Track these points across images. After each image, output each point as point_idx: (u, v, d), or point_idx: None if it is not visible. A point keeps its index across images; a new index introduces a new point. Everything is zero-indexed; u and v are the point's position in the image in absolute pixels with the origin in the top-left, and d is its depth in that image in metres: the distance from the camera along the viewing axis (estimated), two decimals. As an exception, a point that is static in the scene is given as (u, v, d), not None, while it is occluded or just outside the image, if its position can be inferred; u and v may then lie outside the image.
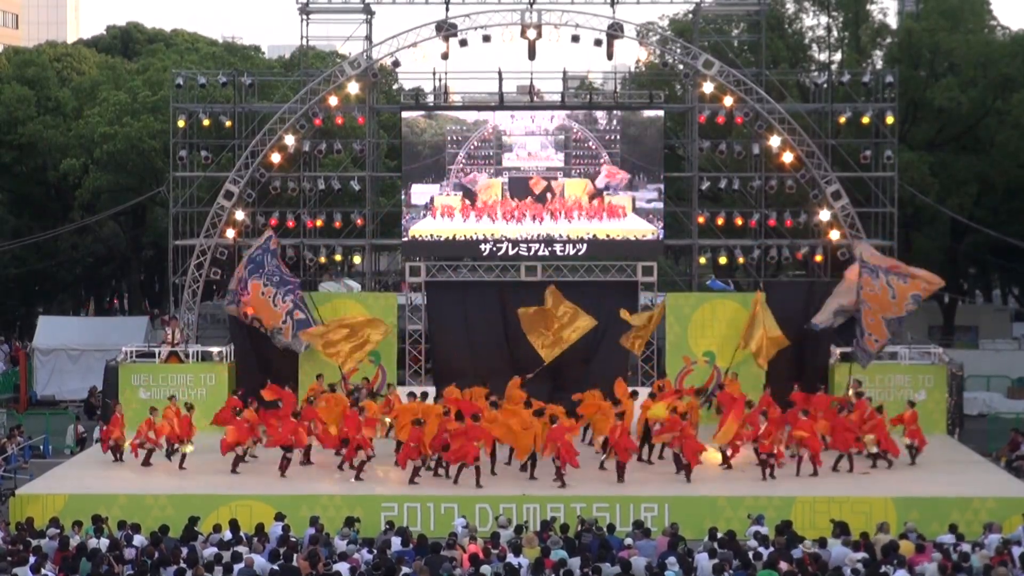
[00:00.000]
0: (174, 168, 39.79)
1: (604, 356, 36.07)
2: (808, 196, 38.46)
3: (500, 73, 38.73)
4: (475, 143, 38.10)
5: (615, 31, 37.87)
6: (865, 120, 38.45)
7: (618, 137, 37.94)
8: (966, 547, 22.61)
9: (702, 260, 40.32)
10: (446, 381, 34.19)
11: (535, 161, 38.07)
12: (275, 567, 21.28)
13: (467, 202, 37.95)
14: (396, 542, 22.89)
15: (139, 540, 23.27)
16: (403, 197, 38.63)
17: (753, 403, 31.55)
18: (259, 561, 21.61)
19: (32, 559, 21.11)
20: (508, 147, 38.05)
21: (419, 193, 38.22)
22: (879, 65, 46.77)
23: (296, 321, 35.56)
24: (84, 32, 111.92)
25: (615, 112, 38.23)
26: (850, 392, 32.57)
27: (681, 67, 39.29)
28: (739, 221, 39.12)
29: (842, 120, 38.71)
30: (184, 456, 30.31)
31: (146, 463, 30.50)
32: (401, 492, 27.78)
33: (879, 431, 30.39)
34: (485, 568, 20.95)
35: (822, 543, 22.63)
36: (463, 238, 38.09)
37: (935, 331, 50.43)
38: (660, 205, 37.98)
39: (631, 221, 37.91)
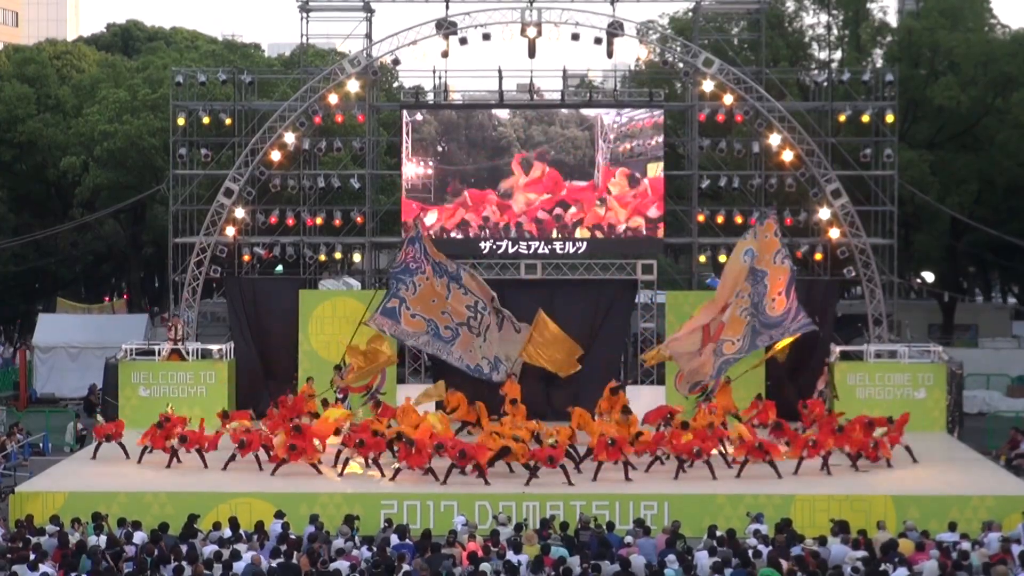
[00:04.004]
0: (174, 166, 39.78)
1: (597, 355, 35.96)
2: (808, 194, 38.44)
3: (500, 71, 38.81)
4: (475, 141, 38.13)
5: (615, 29, 37.86)
6: (865, 118, 38.44)
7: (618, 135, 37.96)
8: (966, 545, 22.64)
9: (702, 259, 40.27)
10: (445, 378, 34.15)
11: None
12: (275, 565, 21.31)
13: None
14: (396, 539, 22.90)
15: (139, 537, 23.28)
16: (403, 195, 38.62)
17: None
18: (259, 559, 21.65)
19: (32, 556, 21.13)
20: (508, 145, 38.08)
21: (419, 191, 38.25)
22: (879, 63, 46.82)
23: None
24: (84, 30, 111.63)
25: (615, 110, 38.22)
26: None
27: (681, 65, 39.25)
28: (739, 219, 39.06)
29: (842, 118, 38.70)
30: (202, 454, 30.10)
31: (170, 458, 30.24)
32: (400, 490, 27.76)
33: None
34: (485, 566, 20.96)
35: (822, 541, 22.65)
36: (463, 236, 38.08)
37: (935, 329, 50.55)
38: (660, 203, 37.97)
39: (631, 219, 37.91)
